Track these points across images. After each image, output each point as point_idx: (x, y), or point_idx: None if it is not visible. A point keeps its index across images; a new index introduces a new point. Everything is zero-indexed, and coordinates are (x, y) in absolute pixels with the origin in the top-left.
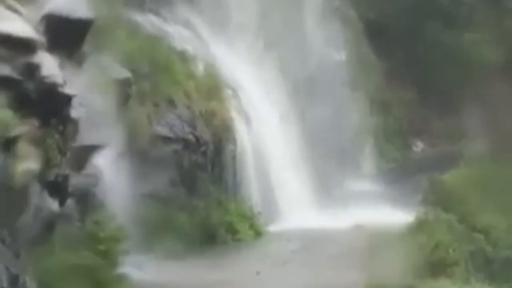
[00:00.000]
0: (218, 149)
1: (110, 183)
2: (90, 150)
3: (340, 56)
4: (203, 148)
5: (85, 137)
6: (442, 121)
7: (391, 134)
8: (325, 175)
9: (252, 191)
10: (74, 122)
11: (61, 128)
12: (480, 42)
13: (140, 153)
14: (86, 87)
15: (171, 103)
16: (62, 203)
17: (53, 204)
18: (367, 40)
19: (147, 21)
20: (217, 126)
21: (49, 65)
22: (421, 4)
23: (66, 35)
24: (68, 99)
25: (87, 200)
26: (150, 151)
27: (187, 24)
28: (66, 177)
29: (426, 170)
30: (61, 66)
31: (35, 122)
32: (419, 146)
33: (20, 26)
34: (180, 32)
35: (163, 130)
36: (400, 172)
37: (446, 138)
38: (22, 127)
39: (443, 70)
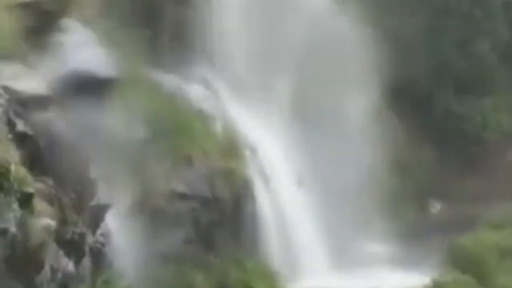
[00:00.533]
0: (236, 207)
1: (122, 242)
2: (105, 209)
3: (361, 117)
4: (221, 206)
5: (101, 196)
6: (460, 183)
7: (409, 195)
8: (343, 235)
9: (270, 250)
10: (92, 182)
11: (78, 187)
12: (499, 108)
13: (156, 211)
14: (104, 144)
15: (190, 160)
16: (77, 263)
17: (69, 264)
18: (388, 102)
19: (168, 80)
20: (235, 184)
21: (64, 122)
22: (441, 68)
23: (86, 91)
24: (86, 157)
25: (100, 259)
26: (166, 208)
27: (206, 84)
28: (82, 236)
29: (443, 232)
30: (80, 124)
31: (49, 181)
32: (436, 208)
33: (35, 84)
34: (199, 91)
35: (180, 187)
36: (417, 234)
37: (463, 200)
38: (37, 184)
39: (461, 133)
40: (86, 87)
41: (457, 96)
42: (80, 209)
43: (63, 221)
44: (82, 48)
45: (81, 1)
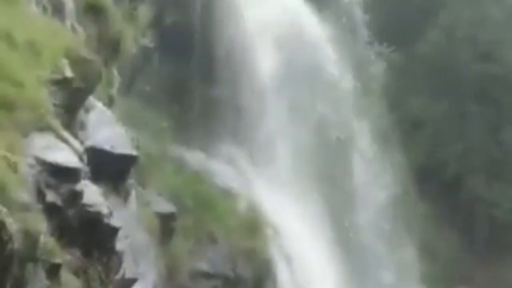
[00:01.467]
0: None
1: None
2: (130, 283)
3: (387, 198)
4: (242, 286)
5: (127, 270)
6: (488, 270)
7: (437, 281)
8: None
9: None
10: (118, 255)
11: (104, 259)
12: None
13: None
14: (130, 220)
15: (213, 239)
16: None
17: None
18: (414, 185)
19: (193, 157)
20: (257, 264)
21: (93, 194)
22: (470, 153)
23: (109, 169)
24: (113, 231)
25: None
26: (189, 287)
27: (231, 161)
28: None
29: None
30: (106, 198)
31: (77, 252)
32: None
33: (66, 155)
34: (224, 169)
35: (204, 266)
36: None
37: (491, 286)
38: (65, 256)
39: (490, 219)
40: (109, 164)
41: (487, 182)
42: (105, 281)
43: None
44: (103, 126)
45: (108, 80)
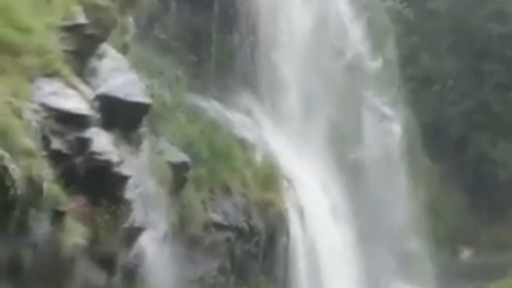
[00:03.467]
0: (271, 240)
1: (155, 266)
2: (139, 231)
3: (395, 155)
4: (256, 238)
5: (136, 218)
6: (491, 229)
7: (440, 239)
8: (376, 275)
9: (301, 285)
10: (127, 204)
11: (112, 208)
12: None
13: (192, 238)
14: (141, 168)
15: (227, 190)
16: (109, 277)
17: (101, 279)
18: (422, 142)
19: (210, 106)
20: (271, 216)
21: (103, 142)
22: (478, 111)
23: (121, 116)
24: (122, 179)
25: (132, 280)
26: (202, 237)
27: (248, 113)
28: (115, 255)
29: (472, 278)
30: (116, 146)
31: (83, 199)
32: (466, 254)
33: (75, 102)
34: (241, 120)
35: (217, 217)
36: (446, 278)
37: (494, 246)
38: (70, 203)
39: (494, 178)
40: (121, 111)
41: (493, 140)
42: (113, 229)
43: (95, 240)
44: (116, 74)
45: (124, 27)
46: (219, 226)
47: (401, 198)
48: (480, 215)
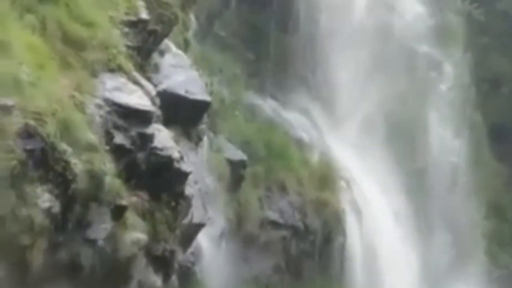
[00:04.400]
0: (327, 240)
1: (211, 263)
2: (198, 228)
3: (459, 156)
4: (311, 237)
5: (194, 215)
6: None
7: (505, 240)
8: (436, 275)
9: (358, 285)
10: (187, 199)
11: (173, 203)
12: None
13: (247, 236)
14: (201, 165)
15: (284, 188)
16: (166, 280)
17: (157, 281)
18: (489, 143)
19: (266, 105)
20: (327, 216)
21: (164, 138)
22: None
23: (182, 113)
24: (183, 175)
25: (188, 278)
26: (258, 235)
27: (305, 112)
28: (173, 253)
29: None
30: (177, 142)
31: (144, 195)
32: None
33: (137, 98)
34: (297, 119)
35: (273, 215)
36: (509, 280)
37: None
38: (132, 198)
39: None
40: (182, 108)
41: None
42: (173, 225)
43: (154, 237)
44: (178, 70)
45: (185, 23)
46: (274, 224)
47: (465, 200)
48: None
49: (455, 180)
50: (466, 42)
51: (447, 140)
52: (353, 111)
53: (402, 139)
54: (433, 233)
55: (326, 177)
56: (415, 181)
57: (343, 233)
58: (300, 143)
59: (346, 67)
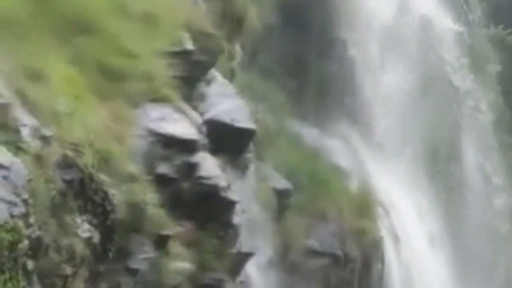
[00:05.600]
0: (366, 267)
1: None
2: (246, 257)
3: (496, 181)
4: (350, 265)
5: (242, 244)
6: None
7: None
8: None
9: None
10: (235, 228)
11: (220, 232)
12: None
13: (291, 265)
14: (248, 194)
15: (324, 217)
16: None
17: None
18: None
19: (308, 133)
20: (366, 244)
21: (210, 167)
22: None
23: (227, 141)
24: (230, 204)
25: None
26: (300, 264)
27: (345, 139)
28: (220, 282)
29: None
30: (223, 171)
31: (189, 224)
32: None
33: (183, 127)
34: (337, 147)
35: (314, 244)
36: None
37: None
38: (176, 228)
39: None
40: (228, 136)
41: None
42: (220, 254)
43: (200, 266)
44: (224, 99)
45: (230, 53)
46: (315, 253)
47: (502, 218)
48: None
49: (491, 202)
50: (500, 68)
51: (481, 162)
52: (393, 137)
53: (438, 162)
54: (471, 258)
55: (365, 205)
56: (451, 202)
57: (381, 260)
58: (340, 171)
59: (383, 92)
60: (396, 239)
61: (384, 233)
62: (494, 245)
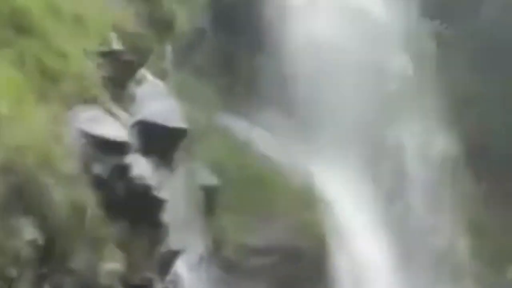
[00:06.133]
0: (312, 262)
1: None
2: (175, 255)
3: (434, 174)
4: (295, 261)
5: (172, 242)
6: None
7: (486, 257)
8: None
9: None
10: (165, 227)
11: (151, 232)
12: None
13: (227, 263)
14: (178, 192)
15: (261, 213)
16: None
17: None
18: (465, 161)
19: (240, 127)
20: (311, 238)
21: (141, 168)
22: None
23: (159, 142)
24: (161, 203)
25: None
26: (238, 261)
27: (277, 131)
28: (151, 282)
29: None
30: (155, 171)
31: (123, 225)
32: None
33: (113, 128)
34: (270, 141)
35: (253, 241)
36: None
37: None
38: (110, 228)
39: None
40: (159, 137)
41: None
42: (150, 254)
43: (131, 266)
44: (155, 99)
45: (159, 53)
46: (253, 250)
47: (444, 216)
48: None
49: (435, 200)
50: (437, 62)
51: (424, 159)
52: (329, 130)
53: (380, 158)
54: (414, 255)
55: (306, 200)
56: (394, 194)
57: (327, 254)
58: (274, 165)
59: (318, 84)
60: (341, 232)
61: (328, 227)
62: (441, 235)
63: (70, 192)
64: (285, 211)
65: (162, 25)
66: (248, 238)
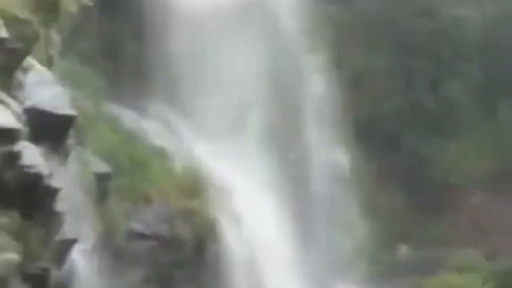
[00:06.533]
0: (199, 248)
1: (86, 279)
2: (70, 244)
3: (336, 156)
4: (180, 246)
5: (66, 231)
6: (426, 226)
7: (377, 237)
8: (318, 277)
9: None
10: (59, 216)
11: (45, 221)
12: (466, 152)
13: (116, 249)
14: (70, 180)
15: (148, 200)
16: None
17: None
18: (357, 141)
19: (127, 116)
20: (198, 224)
21: (32, 155)
22: (410, 108)
23: (49, 129)
24: (54, 192)
25: None
26: (125, 247)
27: (166, 120)
28: (47, 271)
29: (409, 275)
30: (46, 159)
31: (15, 214)
32: (403, 251)
33: (3, 117)
34: (158, 129)
35: (138, 227)
36: (384, 276)
37: (430, 243)
38: (2, 218)
39: (428, 176)
40: (48, 124)
41: (425, 138)
42: (45, 243)
43: (27, 256)
44: (42, 87)
45: (46, 40)
46: (140, 236)
47: (341, 197)
48: (416, 213)
49: (334, 181)
50: (327, 42)
51: (323, 142)
52: (218, 116)
53: (278, 138)
54: (315, 234)
55: (193, 185)
56: (294, 179)
57: (217, 241)
58: (161, 153)
59: (205, 72)
60: (235, 218)
61: (219, 213)
62: (339, 215)
63: None
64: (167, 197)
65: (48, 8)
66: (133, 223)
